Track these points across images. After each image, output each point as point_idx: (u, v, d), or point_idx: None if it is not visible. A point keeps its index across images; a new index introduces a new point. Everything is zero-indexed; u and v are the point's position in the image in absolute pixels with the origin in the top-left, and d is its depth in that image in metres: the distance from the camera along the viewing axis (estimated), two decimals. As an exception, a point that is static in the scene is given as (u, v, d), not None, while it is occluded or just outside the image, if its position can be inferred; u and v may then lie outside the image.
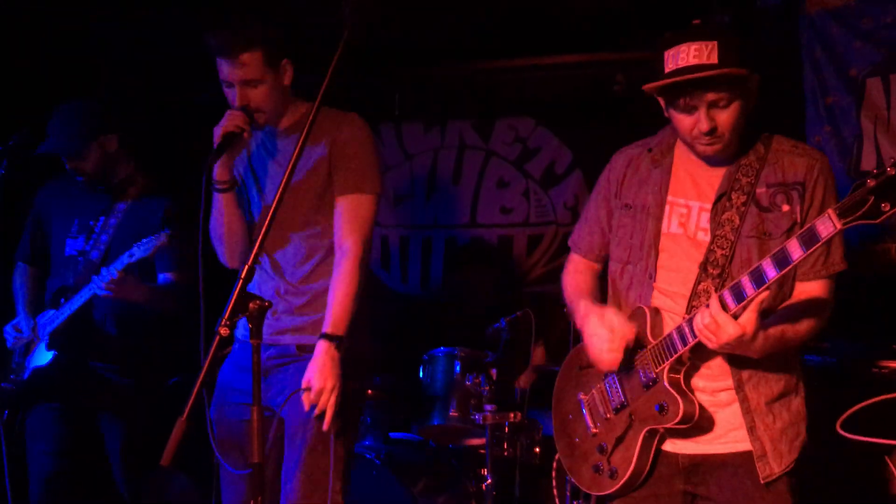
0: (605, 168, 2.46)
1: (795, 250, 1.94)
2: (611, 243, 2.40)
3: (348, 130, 2.71)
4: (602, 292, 2.47)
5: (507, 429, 3.86)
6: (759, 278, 1.99)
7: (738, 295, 2.02)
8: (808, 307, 2.17)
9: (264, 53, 2.59)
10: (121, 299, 3.21)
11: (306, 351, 2.65)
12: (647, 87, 2.14)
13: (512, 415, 3.76)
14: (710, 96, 2.07)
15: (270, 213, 2.17)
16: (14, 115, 3.82)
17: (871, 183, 1.81)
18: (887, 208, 1.79)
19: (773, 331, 2.09)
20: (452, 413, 3.95)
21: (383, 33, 4.16)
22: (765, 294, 2.00)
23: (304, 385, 2.53)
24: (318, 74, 2.34)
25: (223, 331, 1.98)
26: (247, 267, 2.07)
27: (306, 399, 2.52)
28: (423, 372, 4.15)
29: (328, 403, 2.52)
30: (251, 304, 2.04)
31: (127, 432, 3.38)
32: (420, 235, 5.46)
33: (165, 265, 3.36)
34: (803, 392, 2.27)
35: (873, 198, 1.80)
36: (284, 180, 2.19)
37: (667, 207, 2.27)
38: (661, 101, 2.21)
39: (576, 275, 2.51)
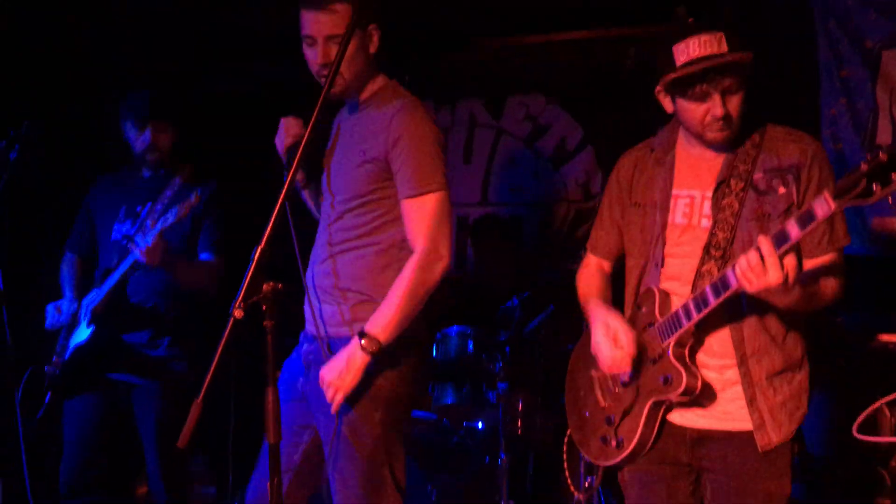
0: (612, 171, 2.58)
1: (822, 206, 1.98)
2: (625, 241, 2.51)
3: (397, 124, 2.45)
4: (618, 292, 2.55)
5: (520, 407, 3.88)
6: (805, 220, 2.02)
7: (783, 238, 2.04)
8: (829, 272, 2.27)
9: (353, 7, 2.40)
10: (157, 274, 3.29)
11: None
12: (667, 77, 2.23)
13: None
14: (726, 82, 2.19)
15: (287, 182, 2.16)
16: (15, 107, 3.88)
17: (864, 167, 1.94)
18: (878, 189, 1.92)
19: (805, 284, 2.17)
20: (466, 391, 3.96)
21: (392, 13, 4.13)
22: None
23: (320, 379, 2.39)
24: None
25: (237, 313, 1.99)
26: (260, 248, 2.07)
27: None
28: (436, 350, 4.16)
29: (333, 401, 2.36)
30: (265, 286, 2.05)
31: (162, 409, 3.40)
32: (431, 214, 5.44)
33: (205, 244, 3.47)
34: (808, 368, 2.34)
35: (866, 180, 1.93)
36: (300, 150, 2.19)
37: (672, 200, 2.38)
38: (667, 98, 2.30)
39: (588, 276, 2.62)
